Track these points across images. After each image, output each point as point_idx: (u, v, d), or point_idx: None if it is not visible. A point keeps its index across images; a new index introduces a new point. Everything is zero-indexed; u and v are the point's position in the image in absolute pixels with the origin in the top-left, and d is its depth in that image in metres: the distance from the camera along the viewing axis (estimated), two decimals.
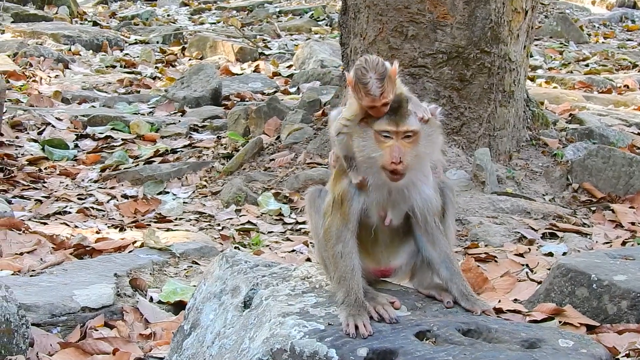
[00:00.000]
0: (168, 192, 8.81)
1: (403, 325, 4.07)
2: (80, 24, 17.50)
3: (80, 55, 15.12)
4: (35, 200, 8.55)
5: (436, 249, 4.34)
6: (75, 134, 10.48)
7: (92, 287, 5.78)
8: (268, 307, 4.22)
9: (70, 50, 15.24)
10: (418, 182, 4.22)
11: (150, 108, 11.63)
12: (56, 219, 8.05)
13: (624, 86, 14.17)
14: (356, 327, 3.98)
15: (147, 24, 18.08)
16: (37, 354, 5.09)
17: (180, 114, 11.36)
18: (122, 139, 10.30)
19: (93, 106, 11.84)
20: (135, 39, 16.78)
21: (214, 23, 18.73)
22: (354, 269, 4.17)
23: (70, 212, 8.25)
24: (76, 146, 10.17)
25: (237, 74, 13.96)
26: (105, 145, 10.17)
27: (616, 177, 8.47)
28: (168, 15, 19.23)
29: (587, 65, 16.04)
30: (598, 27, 19.58)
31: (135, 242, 7.09)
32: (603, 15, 21.21)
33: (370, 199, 4.18)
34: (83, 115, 10.96)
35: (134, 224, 7.88)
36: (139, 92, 12.73)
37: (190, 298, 4.83)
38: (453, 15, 8.38)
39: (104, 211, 8.36)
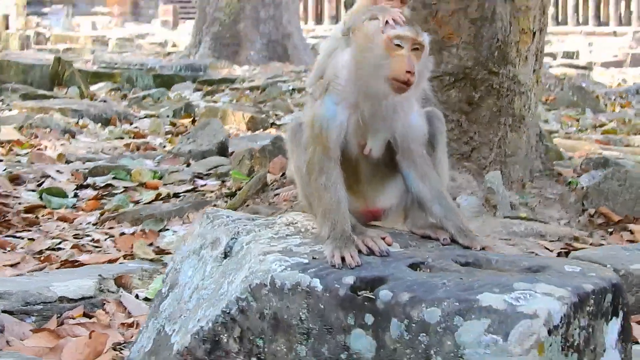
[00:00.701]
0: (168, 229, 8.50)
1: (394, 258, 3.75)
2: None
3: (88, 128, 14.98)
4: (28, 239, 8.24)
5: (426, 184, 4.02)
6: (76, 185, 10.22)
7: (72, 280, 5.44)
8: (249, 250, 3.91)
9: (77, 123, 15.10)
10: (401, 107, 3.95)
11: (155, 163, 11.38)
12: (49, 255, 7.73)
13: None
14: (342, 259, 3.66)
15: (158, 102, 18.02)
16: (7, 341, 4.74)
17: (186, 165, 11.11)
18: (124, 187, 10.03)
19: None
20: (146, 114, 16.67)
21: (228, 102, 18.68)
22: (339, 200, 3.86)
23: (64, 249, 7.93)
24: (76, 195, 9.90)
25: None
26: (106, 193, 9.90)
27: (633, 199, 8.13)
28: (180, 96, 19.17)
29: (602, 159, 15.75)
30: (614, 99, 19.42)
31: (126, 255, 6.77)
32: (619, 88, 21.14)
33: (349, 123, 3.91)
34: (84, 168, 10.73)
35: (130, 256, 7.56)
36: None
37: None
38: (459, 35, 8.15)
39: (100, 247, 8.04)
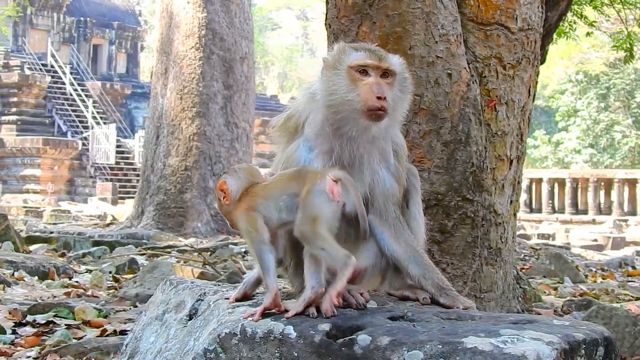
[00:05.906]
0: None
1: (372, 311, 3.85)
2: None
3: (24, 280, 14.96)
4: None
5: (401, 243, 4.14)
6: (14, 322, 10.19)
7: None
8: (217, 306, 4.00)
9: (13, 275, 15.09)
10: (374, 158, 4.10)
11: (100, 306, 11.39)
12: None
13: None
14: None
15: (99, 259, 18.06)
16: None
17: (133, 306, 11.13)
18: (66, 325, 10.02)
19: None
20: (86, 269, 16.69)
21: (177, 261, 18.73)
22: None
23: None
24: (14, 332, 9.87)
25: None
26: (47, 330, 9.88)
27: (620, 339, 8.22)
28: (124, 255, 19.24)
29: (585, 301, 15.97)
30: (596, 271, 19.66)
31: None
32: (600, 261, 21.40)
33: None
34: (22, 304, 10.74)
35: None
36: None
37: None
38: (430, 159, 8.31)
39: None
